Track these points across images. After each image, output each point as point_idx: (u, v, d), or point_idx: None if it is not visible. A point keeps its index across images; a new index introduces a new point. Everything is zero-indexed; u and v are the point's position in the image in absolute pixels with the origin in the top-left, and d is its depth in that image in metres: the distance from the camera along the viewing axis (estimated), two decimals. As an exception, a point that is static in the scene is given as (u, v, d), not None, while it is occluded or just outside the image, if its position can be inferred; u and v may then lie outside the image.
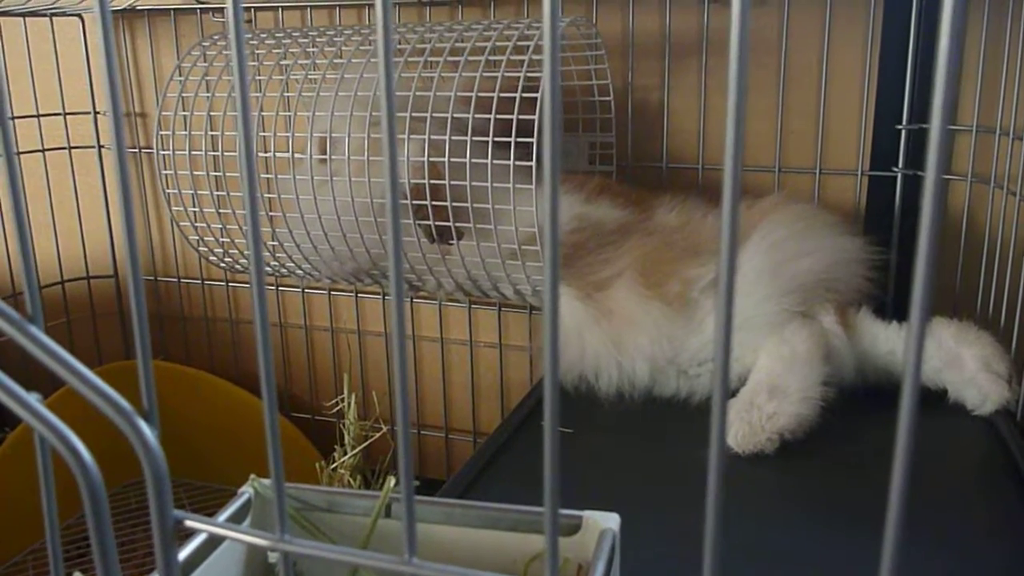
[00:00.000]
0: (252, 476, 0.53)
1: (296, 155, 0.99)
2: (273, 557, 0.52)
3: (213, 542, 0.49)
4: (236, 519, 0.52)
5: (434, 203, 0.94)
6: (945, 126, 0.22)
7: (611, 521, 0.47)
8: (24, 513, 1.15)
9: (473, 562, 0.50)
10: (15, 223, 0.31)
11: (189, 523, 0.34)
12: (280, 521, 0.32)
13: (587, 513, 0.48)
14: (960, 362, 0.90)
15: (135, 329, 0.32)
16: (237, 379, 1.45)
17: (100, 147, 1.47)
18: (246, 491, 0.53)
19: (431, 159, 0.93)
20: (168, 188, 1.08)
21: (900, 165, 1.10)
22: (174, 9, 1.38)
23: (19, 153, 1.43)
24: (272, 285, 1.44)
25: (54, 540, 0.37)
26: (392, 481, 0.52)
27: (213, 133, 1.03)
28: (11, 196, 0.30)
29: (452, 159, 0.91)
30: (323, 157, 1.00)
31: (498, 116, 0.89)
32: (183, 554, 0.46)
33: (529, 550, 0.49)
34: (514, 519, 0.49)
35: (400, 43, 1.01)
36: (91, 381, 0.31)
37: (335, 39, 1.03)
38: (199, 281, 1.50)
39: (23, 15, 1.39)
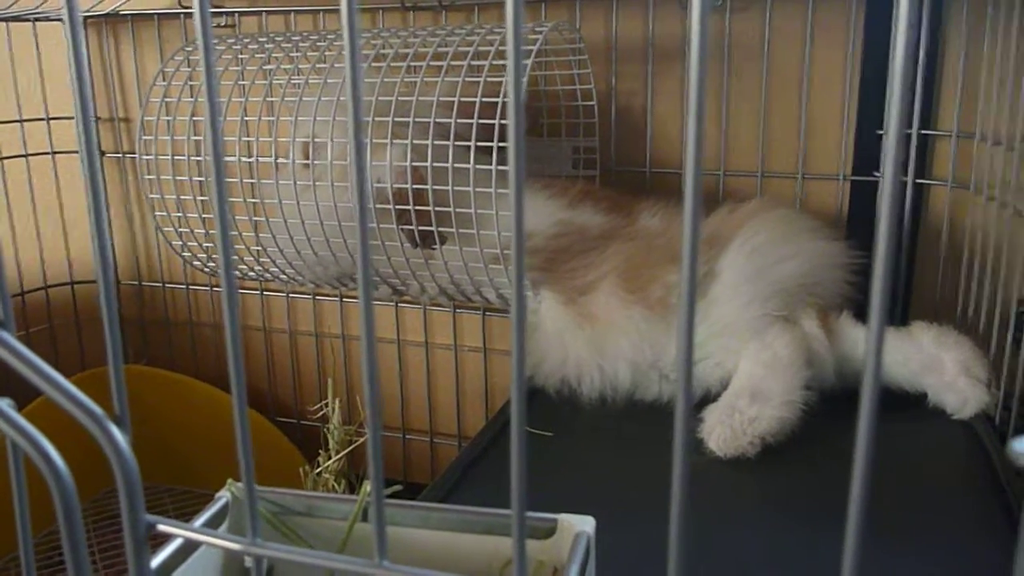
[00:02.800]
0: (229, 480, 0.53)
1: (279, 160, 0.99)
2: (249, 562, 0.52)
3: (189, 548, 0.48)
4: (213, 524, 0.52)
5: (417, 208, 0.94)
6: (902, 127, 0.22)
7: (586, 524, 0.47)
8: (2, 523, 1.14)
9: (450, 566, 0.50)
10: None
11: (161, 527, 0.34)
12: (251, 524, 0.32)
13: (562, 516, 0.48)
14: (940, 366, 0.91)
15: (106, 332, 0.32)
16: (221, 384, 1.45)
17: (84, 152, 1.46)
18: (224, 495, 0.53)
19: (414, 163, 0.93)
20: (151, 193, 1.07)
21: (881, 170, 1.10)
22: (158, 14, 1.37)
23: (2, 158, 1.43)
24: (256, 290, 1.44)
25: (27, 547, 0.37)
26: (369, 485, 0.52)
27: (196, 138, 1.02)
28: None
29: (435, 164, 0.91)
30: (306, 162, 1.00)
31: (480, 121, 0.89)
32: (158, 559, 0.46)
33: (504, 553, 0.49)
34: (489, 522, 0.49)
35: (383, 48, 1.02)
36: (60, 384, 0.31)
37: (319, 44, 1.03)
38: (183, 286, 1.50)
39: (6, 20, 1.39)
